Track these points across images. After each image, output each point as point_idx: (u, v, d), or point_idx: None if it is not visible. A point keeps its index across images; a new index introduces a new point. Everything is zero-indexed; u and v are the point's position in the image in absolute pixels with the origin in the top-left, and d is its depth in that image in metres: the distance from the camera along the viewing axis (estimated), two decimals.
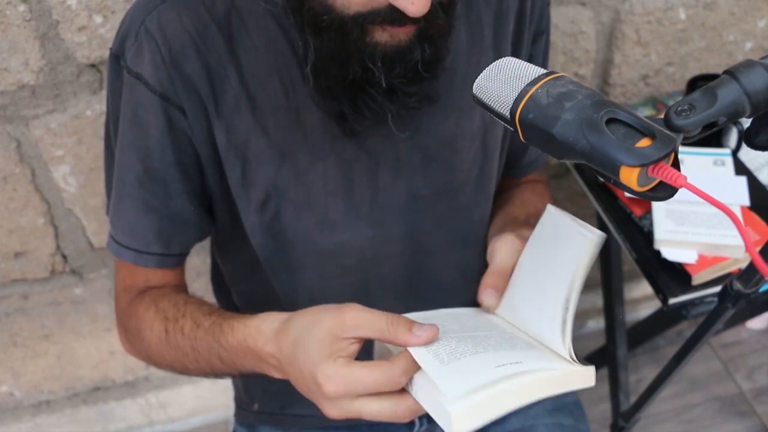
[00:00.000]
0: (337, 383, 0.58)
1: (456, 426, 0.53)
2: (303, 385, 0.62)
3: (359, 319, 0.59)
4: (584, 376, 0.58)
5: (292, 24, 0.67)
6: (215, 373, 0.76)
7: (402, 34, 0.63)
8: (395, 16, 0.60)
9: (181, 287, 0.88)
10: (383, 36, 0.63)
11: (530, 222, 0.85)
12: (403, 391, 0.59)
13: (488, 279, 0.73)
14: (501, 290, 0.72)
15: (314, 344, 0.59)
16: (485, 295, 0.72)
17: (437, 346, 0.58)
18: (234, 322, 0.70)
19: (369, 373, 0.57)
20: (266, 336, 0.66)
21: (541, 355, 0.60)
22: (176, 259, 0.84)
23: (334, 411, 0.59)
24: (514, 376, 0.55)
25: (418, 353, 0.57)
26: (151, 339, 0.79)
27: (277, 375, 0.67)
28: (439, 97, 0.74)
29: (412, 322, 0.59)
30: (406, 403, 0.58)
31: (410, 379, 0.58)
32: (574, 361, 0.59)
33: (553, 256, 0.65)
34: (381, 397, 0.58)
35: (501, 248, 0.75)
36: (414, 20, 0.60)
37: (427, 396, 0.57)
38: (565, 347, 0.59)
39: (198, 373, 0.78)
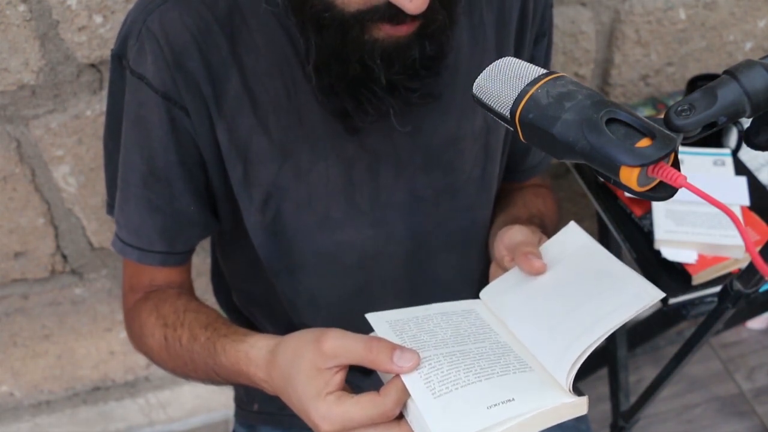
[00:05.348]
0: (331, 423, 0.57)
1: None
2: (300, 416, 0.62)
3: (337, 348, 0.58)
4: (577, 407, 0.57)
5: (293, 23, 0.67)
6: (214, 383, 0.76)
7: (401, 31, 0.63)
8: (394, 14, 0.60)
9: (185, 287, 0.88)
10: (380, 33, 0.63)
11: (534, 222, 0.85)
12: (401, 416, 0.58)
13: (525, 248, 0.69)
14: (540, 257, 0.69)
15: (301, 381, 0.59)
16: (533, 262, 0.67)
17: (429, 369, 0.57)
18: (226, 343, 0.70)
19: (361, 410, 0.56)
20: (256, 363, 0.66)
21: (535, 383, 0.58)
22: (180, 257, 0.85)
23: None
24: (506, 421, 0.54)
25: (410, 381, 0.56)
26: (152, 345, 0.80)
27: (268, 393, 0.67)
28: (441, 94, 0.74)
29: (394, 347, 0.57)
30: (405, 431, 0.58)
31: (405, 405, 0.58)
32: (571, 392, 0.58)
33: (588, 289, 0.63)
34: (378, 428, 0.57)
35: (514, 228, 0.73)
36: (413, 17, 0.60)
37: (419, 428, 0.56)
38: (567, 381, 0.58)
39: (198, 381, 0.78)
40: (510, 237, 0.73)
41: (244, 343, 0.68)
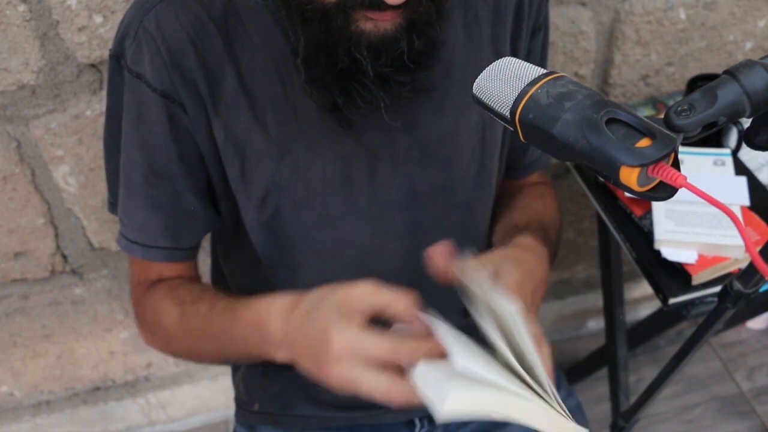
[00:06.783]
0: (345, 340, 0.59)
1: (448, 405, 0.52)
2: (308, 351, 0.63)
3: (369, 291, 0.61)
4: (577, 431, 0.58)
5: (284, 17, 0.68)
6: (225, 357, 0.78)
7: (387, 23, 0.64)
8: (374, 2, 0.60)
9: (196, 279, 0.89)
10: (367, 25, 0.64)
11: (531, 225, 0.85)
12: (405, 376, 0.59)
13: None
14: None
15: (327, 310, 0.62)
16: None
17: (455, 339, 0.58)
18: (249, 299, 0.73)
19: (377, 339, 0.58)
20: (275, 311, 0.68)
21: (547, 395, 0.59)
22: (185, 253, 0.85)
23: (334, 373, 0.60)
24: (523, 392, 0.55)
25: (439, 327, 0.57)
26: (167, 325, 0.81)
27: (277, 353, 0.68)
28: (434, 87, 0.74)
29: (417, 304, 0.61)
30: (403, 387, 0.58)
31: (413, 368, 0.58)
32: (570, 418, 0.58)
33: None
34: (381, 373, 0.59)
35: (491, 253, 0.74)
36: (394, 7, 0.60)
37: (427, 379, 0.56)
38: (563, 410, 0.58)
39: (210, 358, 0.80)
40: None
41: (269, 296, 0.71)
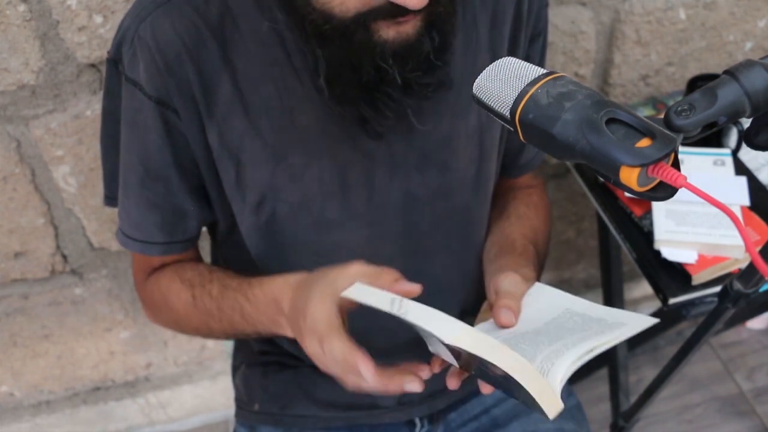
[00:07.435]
0: (315, 320, 0.64)
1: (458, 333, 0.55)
2: (294, 324, 0.69)
3: (353, 272, 0.65)
4: (553, 403, 0.57)
5: (297, 37, 0.68)
6: (235, 332, 0.81)
7: (409, 27, 0.64)
8: (395, 11, 0.60)
9: (199, 259, 0.92)
10: (389, 33, 0.63)
11: (527, 251, 0.85)
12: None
13: (503, 300, 0.70)
14: (516, 312, 0.69)
15: (313, 287, 0.66)
16: (503, 315, 0.69)
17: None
18: (261, 278, 0.77)
19: (338, 336, 0.63)
20: (290, 285, 0.73)
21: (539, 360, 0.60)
22: (183, 245, 0.86)
23: (307, 345, 0.66)
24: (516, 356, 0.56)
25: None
26: (178, 307, 0.84)
27: (286, 329, 0.73)
28: (452, 82, 0.74)
29: (397, 278, 0.66)
30: (357, 378, 0.63)
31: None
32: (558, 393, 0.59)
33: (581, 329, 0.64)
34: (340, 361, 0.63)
35: (505, 280, 0.74)
36: (416, 11, 0.60)
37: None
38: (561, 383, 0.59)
39: (220, 334, 0.83)
40: (498, 283, 0.74)
41: (280, 275, 0.75)
